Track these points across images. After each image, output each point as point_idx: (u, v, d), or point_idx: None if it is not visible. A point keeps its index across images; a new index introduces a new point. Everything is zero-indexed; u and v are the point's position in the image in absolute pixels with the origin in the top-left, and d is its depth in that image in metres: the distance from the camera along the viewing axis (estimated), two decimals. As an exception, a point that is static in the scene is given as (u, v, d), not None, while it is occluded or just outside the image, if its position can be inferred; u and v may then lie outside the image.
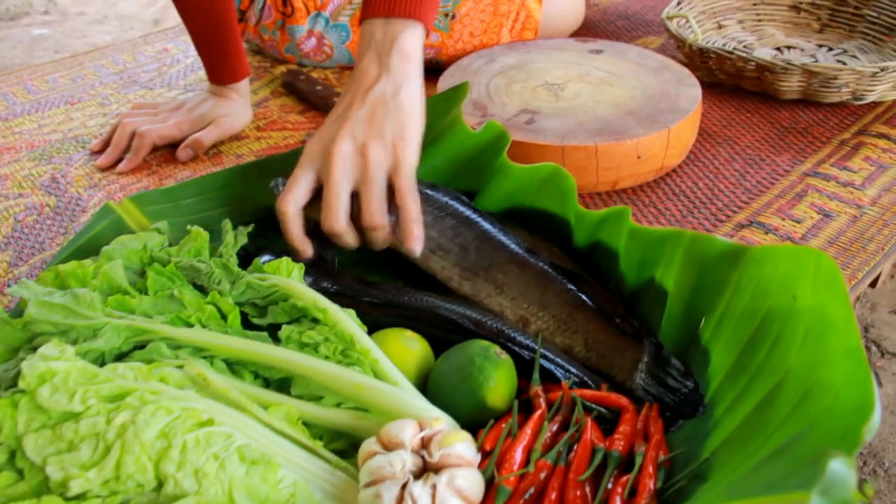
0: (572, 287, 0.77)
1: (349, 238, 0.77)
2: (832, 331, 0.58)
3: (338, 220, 0.75)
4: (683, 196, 1.00)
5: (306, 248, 0.78)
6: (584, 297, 0.76)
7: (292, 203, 0.77)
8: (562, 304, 0.76)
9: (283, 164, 0.89)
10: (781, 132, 1.14)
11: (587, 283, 0.77)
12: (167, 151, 1.12)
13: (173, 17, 2.93)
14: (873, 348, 1.42)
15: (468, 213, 0.81)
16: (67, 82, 1.37)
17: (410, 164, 0.77)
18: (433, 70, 1.26)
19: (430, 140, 0.87)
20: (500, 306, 0.77)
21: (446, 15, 1.27)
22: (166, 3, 2.96)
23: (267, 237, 0.87)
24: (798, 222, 0.95)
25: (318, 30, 1.30)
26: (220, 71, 1.13)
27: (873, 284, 0.95)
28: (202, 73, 1.35)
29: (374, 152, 0.75)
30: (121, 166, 1.09)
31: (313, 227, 0.79)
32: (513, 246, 0.80)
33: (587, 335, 0.74)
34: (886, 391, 1.34)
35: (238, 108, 1.15)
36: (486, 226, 0.81)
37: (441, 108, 0.88)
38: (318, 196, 0.77)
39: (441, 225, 0.80)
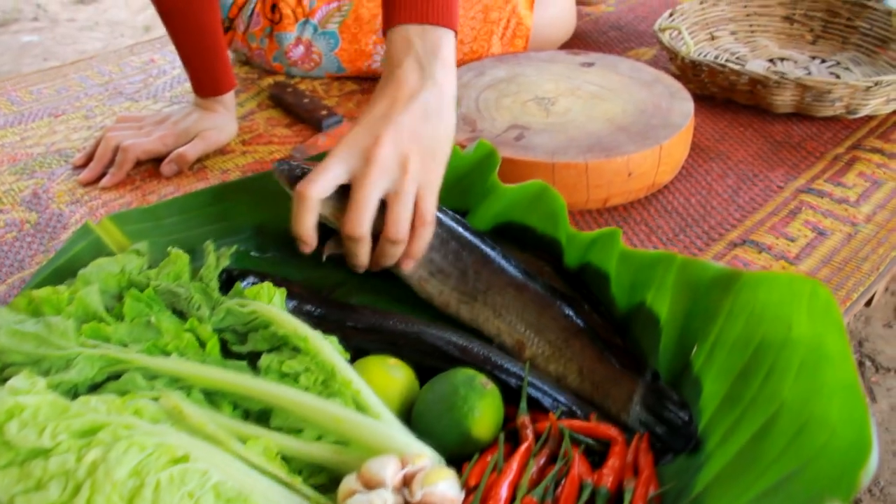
0: (570, 312, 0.75)
1: (365, 246, 0.74)
2: (828, 364, 0.56)
3: (363, 223, 0.72)
4: (675, 213, 0.98)
5: (313, 241, 0.75)
6: (580, 323, 0.74)
7: (316, 190, 0.72)
8: (558, 329, 0.74)
9: (267, 183, 0.88)
10: (775, 146, 1.12)
11: (584, 307, 0.76)
12: (151, 166, 1.10)
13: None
14: (868, 363, 1.41)
15: (469, 236, 0.80)
16: (52, 94, 1.35)
17: (438, 186, 0.75)
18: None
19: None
20: (496, 330, 0.76)
21: None
22: (157, 10, 2.95)
23: (250, 258, 0.86)
24: (792, 241, 0.93)
25: (306, 37, 1.28)
26: (205, 83, 1.11)
27: (868, 303, 0.93)
28: (188, 86, 1.33)
29: (414, 166, 0.73)
30: (104, 181, 1.07)
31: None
32: (511, 269, 0.78)
33: (582, 363, 0.72)
34: (881, 407, 1.33)
35: (223, 121, 1.13)
36: (486, 249, 0.79)
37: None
38: (336, 194, 0.74)
39: (444, 249, 0.78)
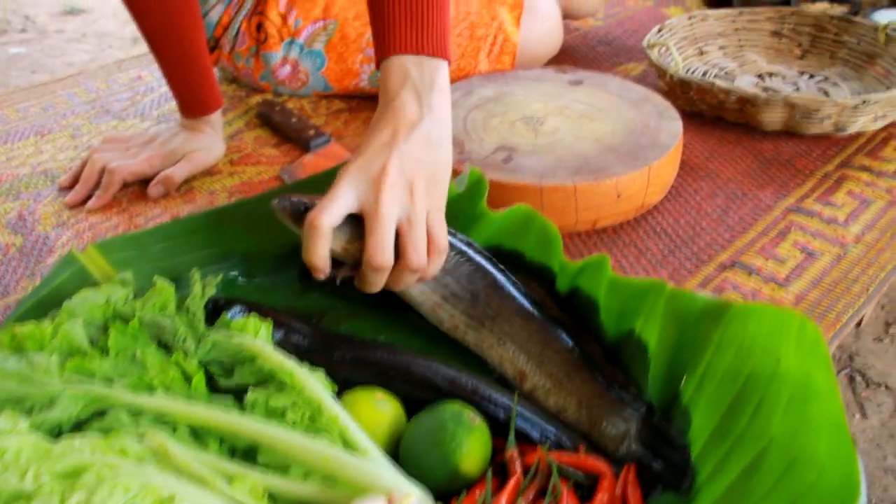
0: (572, 345, 0.74)
1: (385, 274, 0.73)
2: (816, 400, 0.56)
3: (385, 251, 0.71)
4: (665, 235, 0.98)
5: (327, 268, 0.74)
6: (582, 356, 0.74)
7: (328, 219, 0.71)
8: (560, 362, 0.74)
9: (253, 208, 0.87)
10: (764, 164, 1.12)
11: (586, 337, 0.76)
12: (138, 188, 1.09)
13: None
14: (858, 378, 1.41)
15: (480, 259, 0.79)
16: (38, 111, 1.34)
17: (444, 211, 0.76)
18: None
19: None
20: (499, 359, 0.76)
21: None
22: (145, 20, 2.94)
23: (237, 285, 0.85)
24: (781, 262, 0.93)
25: (292, 57, 1.28)
26: (192, 104, 1.11)
27: (858, 324, 0.93)
28: (175, 104, 1.33)
29: (420, 191, 0.73)
30: (90, 203, 1.06)
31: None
32: (520, 296, 0.78)
33: (581, 397, 0.71)
34: (872, 423, 1.33)
35: (210, 141, 1.12)
36: (497, 274, 0.79)
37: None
38: (346, 226, 0.74)
39: (458, 272, 0.78)
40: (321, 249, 0.72)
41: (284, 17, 1.26)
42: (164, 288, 0.73)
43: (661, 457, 0.65)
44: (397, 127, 0.76)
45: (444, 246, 0.75)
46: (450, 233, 0.78)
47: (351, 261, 0.75)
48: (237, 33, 1.29)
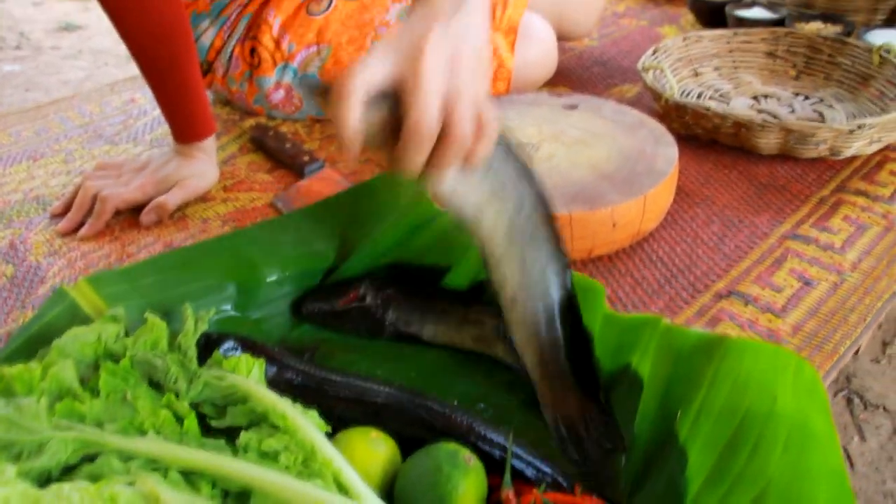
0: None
1: (429, 143, 0.64)
2: (814, 443, 0.55)
3: (430, 118, 0.63)
4: (661, 263, 0.97)
5: (357, 143, 0.65)
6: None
7: (361, 80, 0.62)
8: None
9: (246, 242, 0.87)
10: (760, 189, 1.12)
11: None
12: (131, 215, 1.09)
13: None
14: (856, 400, 1.40)
15: (528, 164, 0.72)
16: (31, 135, 1.33)
17: (487, 95, 0.68)
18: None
19: (397, 215, 0.85)
20: (503, 282, 0.74)
21: None
22: (140, 37, 2.93)
23: (231, 318, 0.85)
24: (778, 291, 0.93)
25: (286, 81, 1.27)
26: (185, 129, 1.10)
27: (856, 352, 0.93)
28: (168, 128, 1.32)
29: (466, 62, 0.65)
30: (82, 231, 1.05)
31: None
32: (554, 228, 0.74)
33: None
34: (870, 446, 1.32)
35: (203, 168, 1.11)
36: (542, 189, 0.73)
37: (406, 182, 0.85)
38: (379, 104, 0.66)
39: (506, 169, 0.70)
40: (352, 118, 0.64)
41: (278, 42, 1.25)
42: (156, 324, 0.72)
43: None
44: (436, 12, 0.67)
45: (494, 127, 0.67)
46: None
47: (385, 140, 0.67)
48: (230, 57, 1.29)
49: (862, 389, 1.43)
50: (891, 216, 1.06)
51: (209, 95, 1.31)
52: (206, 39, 1.28)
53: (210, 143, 1.12)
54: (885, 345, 1.52)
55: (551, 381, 0.73)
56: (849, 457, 1.30)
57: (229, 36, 1.28)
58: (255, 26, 1.27)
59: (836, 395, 1.43)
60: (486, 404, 0.76)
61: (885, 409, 1.40)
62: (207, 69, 1.31)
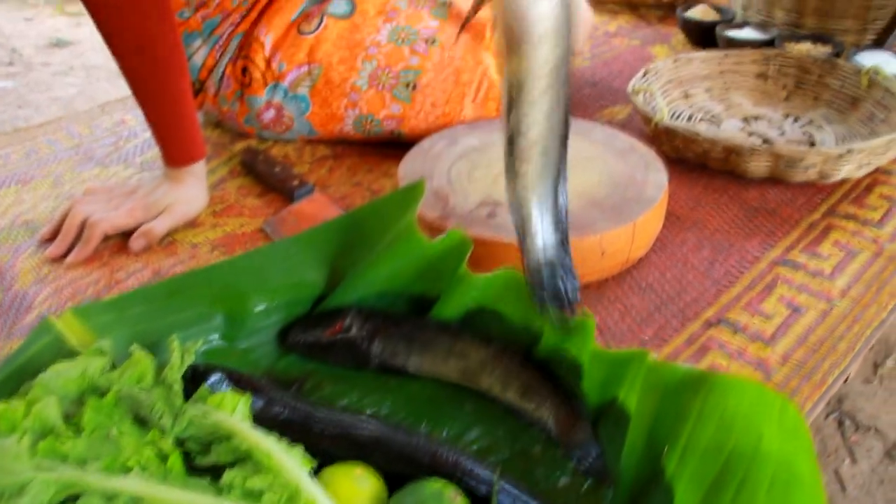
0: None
1: None
2: (798, 486, 0.56)
3: None
4: (650, 290, 0.97)
5: None
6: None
7: None
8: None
9: (234, 271, 0.86)
10: (750, 213, 1.12)
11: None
12: (120, 240, 1.08)
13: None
14: (847, 422, 1.40)
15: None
16: (20, 158, 1.33)
17: None
18: (395, 144, 1.24)
19: (386, 245, 0.84)
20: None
21: (407, 85, 1.24)
22: (133, 53, 2.93)
23: (218, 348, 0.85)
24: (767, 319, 0.92)
25: (276, 100, 1.27)
26: (174, 153, 1.10)
27: (845, 380, 0.92)
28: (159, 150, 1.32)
29: None
30: (70, 257, 1.05)
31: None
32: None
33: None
34: (861, 468, 1.32)
35: (193, 193, 1.11)
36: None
37: (395, 211, 0.85)
38: None
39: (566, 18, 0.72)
40: None
41: (269, 61, 1.25)
42: (142, 359, 0.72)
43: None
44: None
45: None
46: None
47: None
48: (222, 77, 1.29)
49: (853, 411, 1.43)
50: (880, 241, 1.06)
51: (200, 117, 1.31)
52: (198, 59, 1.28)
53: (200, 168, 1.12)
54: (876, 366, 1.52)
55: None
56: (840, 480, 1.30)
57: (221, 55, 1.28)
58: (246, 45, 1.27)
59: (827, 416, 1.43)
60: (471, 438, 0.75)
61: (876, 430, 1.40)
62: (199, 89, 1.31)
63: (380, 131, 1.26)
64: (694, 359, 0.87)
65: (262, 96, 1.27)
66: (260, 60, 1.26)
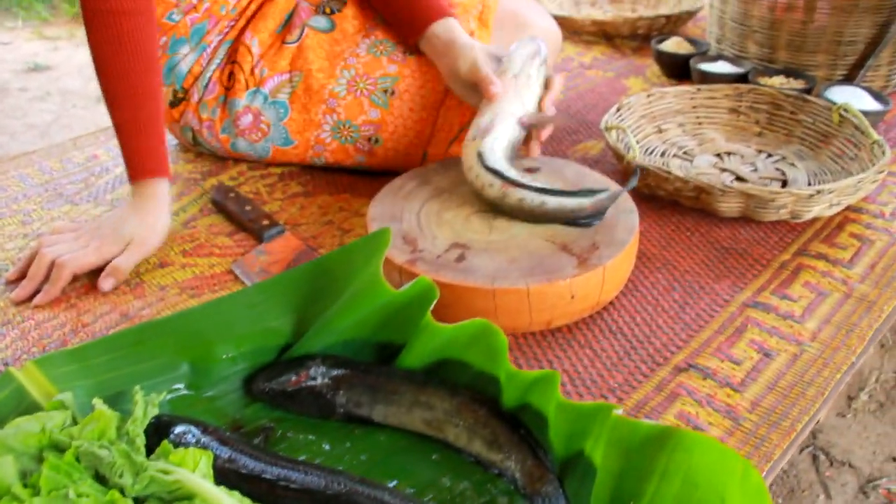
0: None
1: None
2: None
3: None
4: (620, 334, 0.97)
5: None
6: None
7: None
8: None
9: (200, 319, 0.85)
10: (721, 254, 1.12)
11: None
12: (87, 281, 1.07)
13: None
14: (822, 457, 1.40)
15: None
16: (-11, 194, 1.32)
17: None
18: (367, 180, 1.24)
19: (352, 293, 0.84)
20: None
21: (385, 91, 1.25)
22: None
23: (183, 397, 0.84)
24: (737, 364, 0.92)
25: (255, 106, 1.27)
26: (141, 161, 1.10)
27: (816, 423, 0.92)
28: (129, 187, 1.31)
29: None
30: (37, 299, 1.04)
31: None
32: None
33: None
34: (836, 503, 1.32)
35: (155, 220, 1.10)
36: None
37: (361, 259, 0.85)
38: None
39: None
40: None
41: (252, 67, 1.26)
42: (103, 415, 0.71)
43: None
44: None
45: None
46: None
47: None
48: (208, 83, 1.28)
49: (827, 446, 1.43)
50: (850, 282, 1.06)
51: (170, 147, 1.31)
52: (185, 65, 1.27)
53: (163, 189, 1.11)
54: (850, 399, 1.53)
55: None
56: (814, 517, 1.30)
57: (209, 62, 1.28)
58: (234, 51, 1.27)
59: (801, 451, 1.43)
60: (438, 489, 0.75)
61: (850, 465, 1.40)
62: (183, 97, 1.30)
63: (357, 137, 1.26)
64: (663, 406, 0.86)
65: (242, 100, 1.27)
66: (247, 65, 1.26)
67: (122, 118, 1.08)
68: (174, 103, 1.30)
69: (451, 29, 1.20)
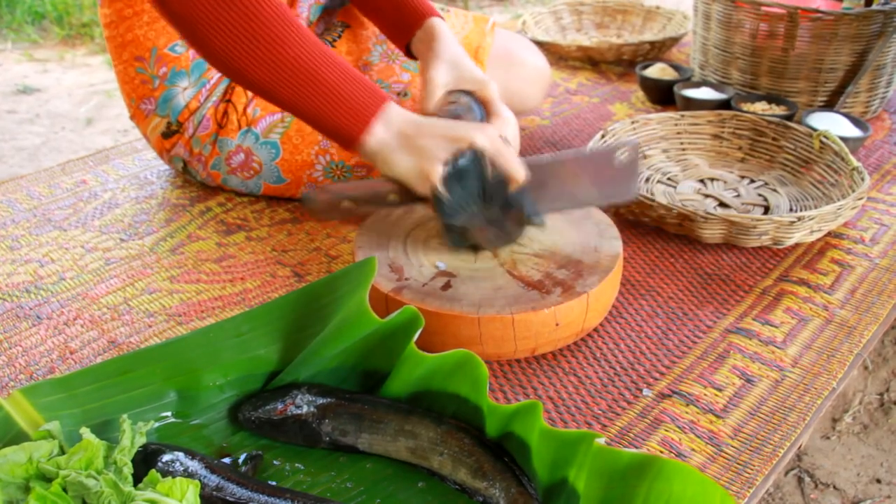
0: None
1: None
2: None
3: None
4: (605, 361, 0.98)
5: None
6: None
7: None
8: None
9: (187, 347, 0.86)
10: (704, 279, 1.13)
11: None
12: (74, 310, 1.08)
13: (106, 117, 2.90)
14: (806, 479, 1.41)
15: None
16: (-23, 220, 1.32)
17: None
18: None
19: (338, 321, 0.85)
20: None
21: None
22: (99, 102, 2.93)
23: (171, 425, 0.84)
24: (720, 390, 0.93)
25: (246, 145, 1.28)
26: (363, 104, 0.95)
27: (798, 447, 0.93)
28: (118, 212, 1.32)
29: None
30: None
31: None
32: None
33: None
34: (819, 528, 1.33)
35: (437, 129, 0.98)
36: None
37: (348, 287, 0.86)
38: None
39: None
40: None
41: (245, 106, 1.27)
42: (91, 444, 0.72)
43: None
44: None
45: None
46: None
47: None
48: (202, 118, 1.29)
49: (812, 468, 1.44)
50: (831, 308, 1.08)
51: (158, 170, 1.30)
52: (183, 99, 1.28)
53: (399, 111, 0.97)
54: (834, 421, 1.54)
55: None
56: (799, 541, 1.31)
57: (206, 98, 1.28)
58: (230, 89, 1.28)
59: (786, 473, 1.44)
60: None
61: (835, 487, 1.41)
62: (177, 129, 1.30)
63: (350, 177, 1.27)
64: (646, 433, 0.87)
65: (234, 139, 1.27)
66: (240, 105, 1.27)
67: (298, 82, 0.94)
68: (167, 135, 1.30)
69: (442, 37, 1.15)
